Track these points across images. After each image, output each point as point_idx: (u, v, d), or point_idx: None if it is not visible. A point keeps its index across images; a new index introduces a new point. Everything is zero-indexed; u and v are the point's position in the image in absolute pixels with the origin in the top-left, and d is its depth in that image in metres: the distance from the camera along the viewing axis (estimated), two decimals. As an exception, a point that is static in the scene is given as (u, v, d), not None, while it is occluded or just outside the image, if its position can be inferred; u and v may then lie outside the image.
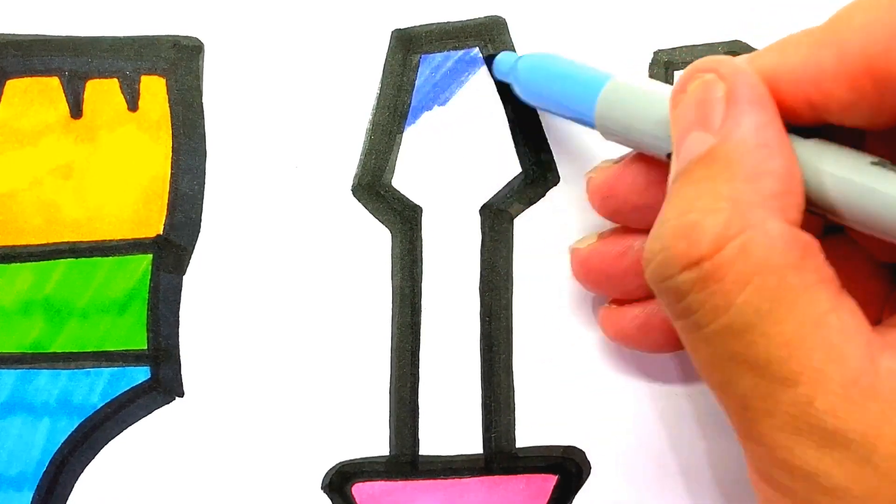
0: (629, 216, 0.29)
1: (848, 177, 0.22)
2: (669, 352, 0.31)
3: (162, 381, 0.33)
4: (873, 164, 0.22)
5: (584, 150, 0.33)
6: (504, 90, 0.33)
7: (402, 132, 0.34)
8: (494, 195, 0.33)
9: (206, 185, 0.34)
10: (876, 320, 0.26)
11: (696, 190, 0.22)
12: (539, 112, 0.33)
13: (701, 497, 0.32)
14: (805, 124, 0.23)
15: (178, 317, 0.33)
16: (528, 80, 0.31)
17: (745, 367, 0.22)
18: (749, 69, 0.23)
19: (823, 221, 0.24)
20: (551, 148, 0.33)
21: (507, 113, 0.34)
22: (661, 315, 0.28)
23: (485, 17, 0.34)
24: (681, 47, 0.34)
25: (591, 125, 0.28)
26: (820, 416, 0.21)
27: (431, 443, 0.32)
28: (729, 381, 0.22)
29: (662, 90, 0.26)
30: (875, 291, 0.26)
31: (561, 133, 0.33)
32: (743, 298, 0.21)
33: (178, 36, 0.34)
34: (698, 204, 0.22)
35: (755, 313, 0.21)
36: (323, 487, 0.32)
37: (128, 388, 0.33)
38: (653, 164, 0.27)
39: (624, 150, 0.29)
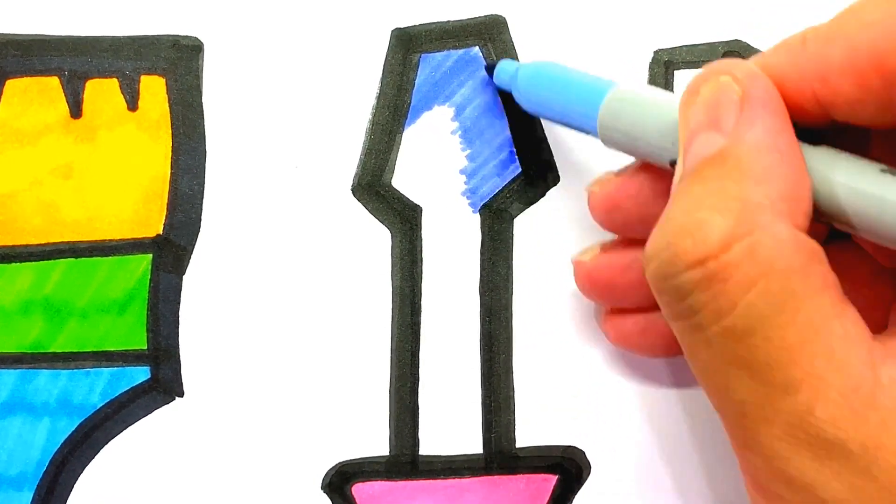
0: (635, 228, 0.28)
1: (857, 185, 0.22)
2: (671, 356, 0.31)
3: (162, 380, 0.33)
4: (883, 171, 0.22)
5: (584, 150, 0.33)
6: (505, 92, 0.33)
7: (402, 132, 0.34)
8: (494, 195, 0.33)
9: (205, 185, 0.34)
10: (881, 326, 0.26)
11: (705, 189, 0.22)
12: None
13: (701, 497, 0.32)
14: (812, 122, 0.23)
15: (178, 317, 0.33)
16: (529, 89, 0.31)
17: (746, 372, 0.21)
18: (762, 73, 0.23)
19: (829, 228, 0.24)
20: (551, 148, 0.33)
21: (507, 113, 0.34)
22: (664, 320, 0.28)
23: (485, 17, 0.34)
24: (681, 47, 0.34)
25: (593, 134, 0.28)
26: (819, 426, 0.21)
27: (431, 443, 0.32)
28: (727, 387, 0.22)
29: (666, 97, 0.26)
30: (879, 297, 0.26)
31: (561, 133, 0.33)
32: (747, 301, 0.21)
33: (177, 36, 0.34)
34: (707, 202, 0.22)
35: (759, 316, 0.21)
36: (323, 487, 0.32)
37: (128, 387, 0.33)
38: (657, 173, 0.27)
39: (623, 159, 0.29)
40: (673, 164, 0.24)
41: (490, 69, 0.33)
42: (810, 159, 0.23)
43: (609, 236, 0.30)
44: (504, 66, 0.32)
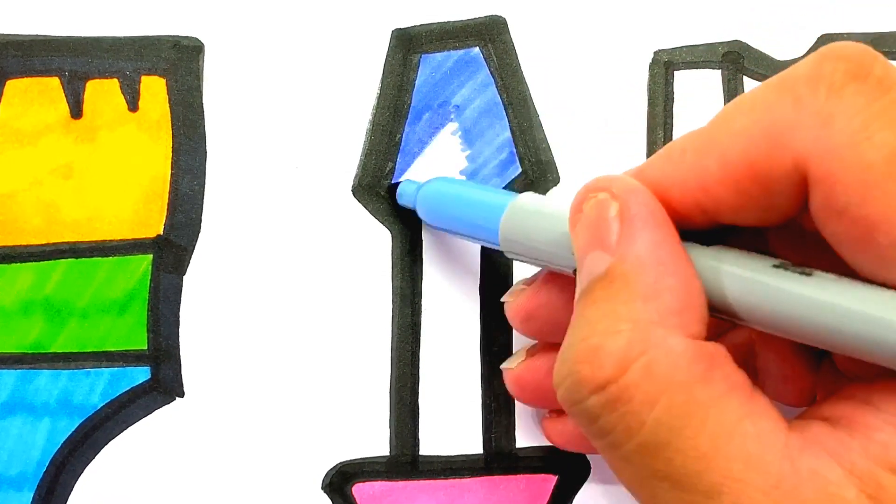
0: (552, 334, 0.28)
1: (749, 281, 0.22)
2: None
3: (162, 381, 0.33)
4: (775, 266, 0.22)
5: (584, 151, 0.33)
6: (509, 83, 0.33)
7: (403, 132, 0.34)
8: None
9: (206, 186, 0.34)
10: (810, 395, 0.26)
11: (597, 311, 0.22)
12: (540, 113, 0.33)
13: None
14: (701, 227, 0.23)
15: (179, 317, 0.33)
16: (430, 206, 0.31)
17: (667, 483, 0.21)
18: (641, 186, 0.23)
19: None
20: (551, 148, 0.33)
21: (507, 113, 0.34)
22: None
23: (485, 17, 0.34)
24: (681, 47, 0.34)
25: (496, 246, 0.28)
26: None
27: (431, 443, 0.32)
28: (654, 497, 0.22)
29: (562, 209, 0.26)
30: (805, 365, 0.26)
31: (561, 133, 0.33)
32: (653, 417, 0.21)
33: (178, 36, 0.34)
34: (599, 327, 0.22)
35: (667, 431, 0.21)
36: (323, 487, 0.32)
37: (128, 388, 0.33)
38: (564, 281, 0.27)
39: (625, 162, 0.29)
40: (576, 272, 0.24)
41: (393, 189, 0.33)
42: (700, 261, 0.23)
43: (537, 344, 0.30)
44: (405, 188, 0.32)
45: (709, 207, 0.23)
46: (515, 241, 0.27)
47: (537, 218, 0.26)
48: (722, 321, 0.23)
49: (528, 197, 0.27)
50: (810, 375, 0.26)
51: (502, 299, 0.30)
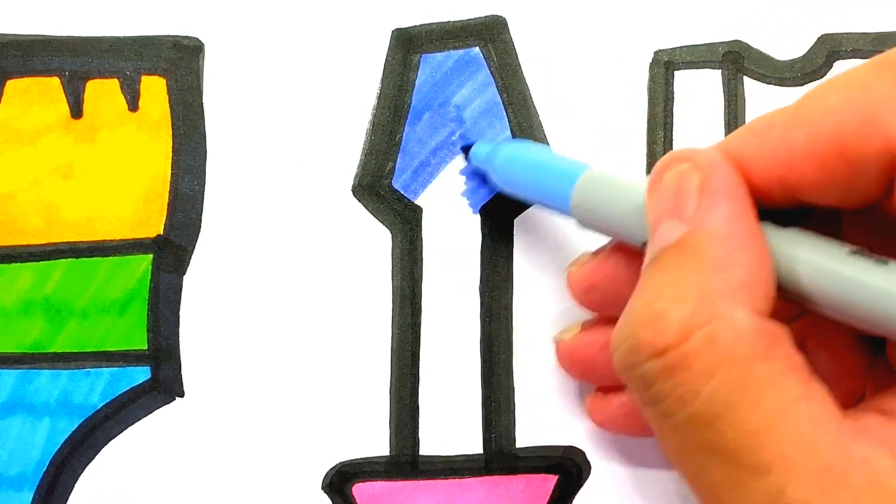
0: (612, 307, 0.28)
1: (824, 266, 0.22)
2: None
3: (162, 381, 0.33)
4: (851, 253, 0.22)
5: (584, 150, 0.33)
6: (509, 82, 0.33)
7: (403, 132, 0.34)
8: (495, 195, 0.33)
9: (206, 186, 0.34)
10: (858, 394, 0.26)
11: (665, 278, 0.22)
12: (540, 113, 0.33)
13: (701, 497, 0.32)
14: (779, 205, 0.23)
15: (179, 317, 0.33)
16: (504, 171, 0.31)
17: (715, 457, 0.21)
18: (724, 160, 0.23)
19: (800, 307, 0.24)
20: (551, 148, 0.33)
21: (507, 113, 0.34)
22: None
23: (485, 17, 0.34)
24: (681, 47, 0.34)
25: (567, 214, 0.28)
26: None
27: (431, 443, 0.32)
28: (700, 471, 0.22)
29: (637, 180, 0.26)
30: (856, 364, 0.26)
31: (561, 133, 0.33)
32: (710, 388, 0.21)
33: (178, 36, 0.34)
34: (666, 292, 0.22)
35: (723, 403, 0.21)
36: (323, 487, 0.32)
37: (128, 388, 0.33)
38: (631, 254, 0.27)
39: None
40: (644, 245, 0.24)
41: (466, 150, 0.33)
42: (776, 242, 0.23)
43: (590, 318, 0.30)
44: (479, 148, 0.32)
45: (791, 184, 0.22)
46: (587, 211, 0.27)
47: (611, 188, 0.26)
48: (782, 309, 0.23)
49: (603, 167, 0.27)
50: (860, 376, 0.26)
51: (565, 269, 0.29)
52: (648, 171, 0.33)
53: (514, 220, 0.33)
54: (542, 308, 0.33)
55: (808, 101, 0.22)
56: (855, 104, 0.21)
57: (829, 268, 0.22)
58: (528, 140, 0.32)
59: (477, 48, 0.34)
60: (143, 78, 0.34)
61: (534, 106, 0.34)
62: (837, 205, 0.23)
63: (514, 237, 0.33)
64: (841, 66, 0.33)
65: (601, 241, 0.29)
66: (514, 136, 0.34)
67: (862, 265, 0.21)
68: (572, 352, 0.30)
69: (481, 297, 0.33)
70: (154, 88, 0.34)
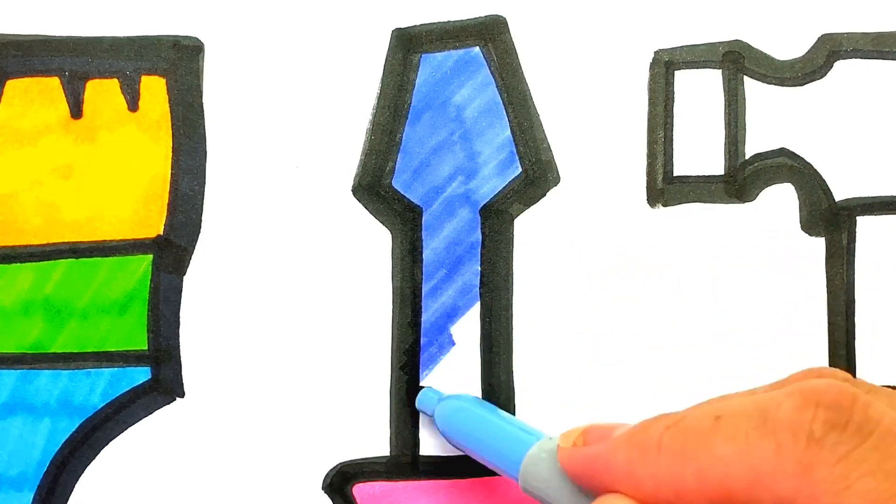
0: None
1: None
2: None
3: (162, 381, 0.33)
4: None
5: (584, 150, 0.33)
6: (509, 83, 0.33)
7: (403, 132, 0.34)
8: (495, 195, 0.33)
9: (206, 186, 0.34)
10: None
11: None
12: (540, 113, 0.33)
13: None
14: None
15: (179, 317, 0.33)
16: (449, 424, 0.31)
17: None
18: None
19: None
20: (552, 148, 0.33)
21: (507, 113, 0.34)
22: None
23: (485, 17, 0.34)
24: (681, 47, 0.34)
25: (512, 477, 0.28)
26: None
27: (431, 443, 0.32)
28: None
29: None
30: None
31: (562, 133, 0.33)
32: None
33: (178, 36, 0.34)
34: None
35: None
36: (324, 488, 0.32)
37: (128, 388, 0.33)
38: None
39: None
40: None
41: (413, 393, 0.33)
42: None
43: None
44: (427, 394, 0.32)
45: None
46: (535, 482, 0.27)
47: (555, 473, 0.27)
48: None
49: (547, 445, 0.27)
50: None
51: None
52: (648, 170, 0.33)
53: (515, 221, 0.33)
54: (543, 308, 0.33)
55: (694, 440, 0.23)
56: (743, 462, 0.22)
57: None
58: (468, 396, 0.32)
59: (477, 48, 0.34)
60: (143, 78, 0.34)
61: (534, 106, 0.34)
62: None
63: (515, 237, 0.33)
64: (841, 66, 0.33)
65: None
66: (513, 136, 0.34)
67: None
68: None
69: (481, 296, 0.33)
70: (154, 88, 0.34)
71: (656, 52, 0.34)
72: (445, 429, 0.31)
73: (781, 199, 0.33)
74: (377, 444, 0.32)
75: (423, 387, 0.33)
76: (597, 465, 0.24)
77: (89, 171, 0.34)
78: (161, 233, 0.33)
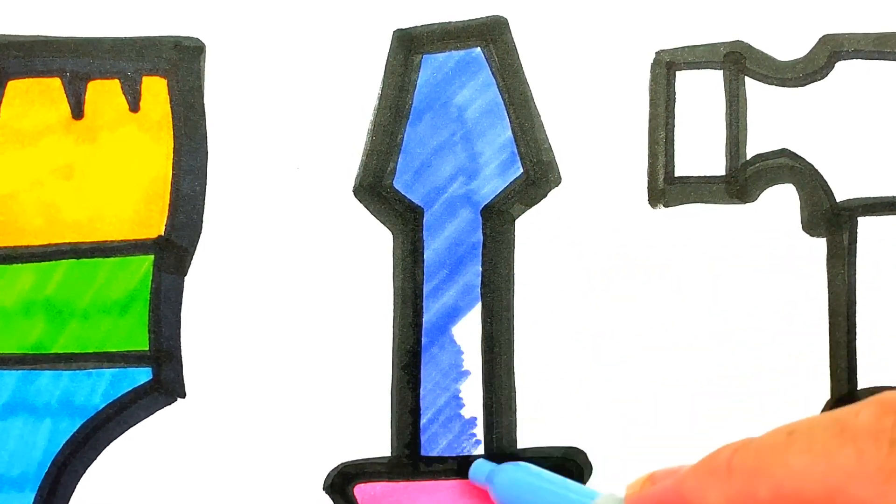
0: None
1: None
2: None
3: (164, 381, 0.33)
4: None
5: (585, 151, 0.33)
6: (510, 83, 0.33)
7: (404, 133, 0.34)
8: (496, 196, 0.33)
9: (207, 186, 0.34)
10: None
11: None
12: (541, 114, 0.33)
13: (702, 498, 0.32)
14: None
15: (180, 318, 0.33)
16: (509, 496, 0.31)
17: None
18: None
19: None
20: (553, 148, 0.33)
21: (508, 113, 0.34)
22: None
23: (486, 17, 0.34)
24: (683, 47, 0.34)
25: None
26: None
27: (432, 443, 0.32)
28: None
29: None
30: None
31: (563, 134, 0.33)
32: None
33: (179, 37, 0.34)
34: None
35: None
36: (325, 488, 0.32)
37: (129, 388, 0.33)
38: None
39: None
40: None
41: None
42: None
43: None
44: (479, 467, 0.32)
45: None
46: None
47: None
48: None
49: (612, 499, 0.28)
50: None
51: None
52: (649, 170, 0.33)
53: (516, 222, 0.33)
54: (543, 308, 0.33)
55: (768, 454, 0.22)
56: (820, 470, 0.21)
57: None
58: (524, 464, 0.32)
59: (478, 49, 0.34)
60: (145, 78, 0.34)
61: (535, 106, 0.34)
62: None
63: (516, 238, 0.33)
64: (842, 67, 0.33)
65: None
66: (515, 136, 0.34)
67: None
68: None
69: (482, 297, 0.33)
70: (155, 89, 0.34)
71: (657, 53, 0.34)
72: (506, 500, 0.31)
73: (782, 199, 0.33)
74: (378, 444, 0.32)
75: (473, 458, 0.32)
76: (667, 498, 0.24)
77: (90, 172, 0.34)
78: (162, 233, 0.33)
